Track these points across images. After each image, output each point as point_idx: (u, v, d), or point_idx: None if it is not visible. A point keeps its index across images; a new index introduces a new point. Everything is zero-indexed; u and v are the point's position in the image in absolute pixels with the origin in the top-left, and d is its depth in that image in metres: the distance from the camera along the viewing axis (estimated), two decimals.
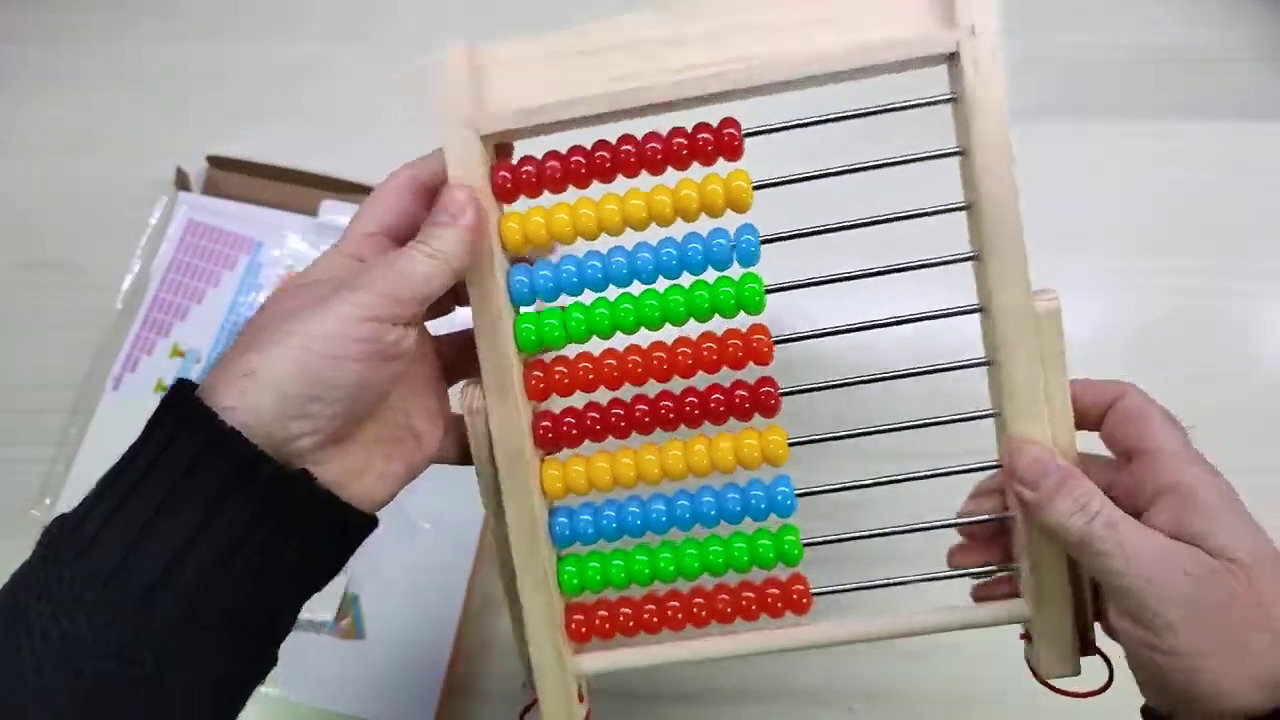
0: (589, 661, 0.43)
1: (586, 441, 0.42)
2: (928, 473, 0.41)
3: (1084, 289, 0.69)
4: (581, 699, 0.43)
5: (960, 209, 0.39)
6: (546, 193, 0.40)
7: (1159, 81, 0.73)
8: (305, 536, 0.34)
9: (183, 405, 0.32)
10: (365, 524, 0.37)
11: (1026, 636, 0.42)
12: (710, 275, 0.40)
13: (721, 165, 0.40)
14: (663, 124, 0.40)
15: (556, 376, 0.41)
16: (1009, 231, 0.38)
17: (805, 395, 0.41)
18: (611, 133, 0.40)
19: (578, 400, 0.41)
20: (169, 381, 0.62)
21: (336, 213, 0.64)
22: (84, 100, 0.72)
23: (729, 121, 0.39)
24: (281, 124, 0.71)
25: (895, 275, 0.40)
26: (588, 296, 0.41)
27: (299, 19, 0.75)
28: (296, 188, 0.66)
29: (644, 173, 0.40)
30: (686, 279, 0.40)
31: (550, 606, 0.42)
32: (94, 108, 0.72)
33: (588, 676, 0.44)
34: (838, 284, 0.40)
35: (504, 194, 0.40)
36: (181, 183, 0.66)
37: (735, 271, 0.40)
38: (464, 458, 0.42)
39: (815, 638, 0.42)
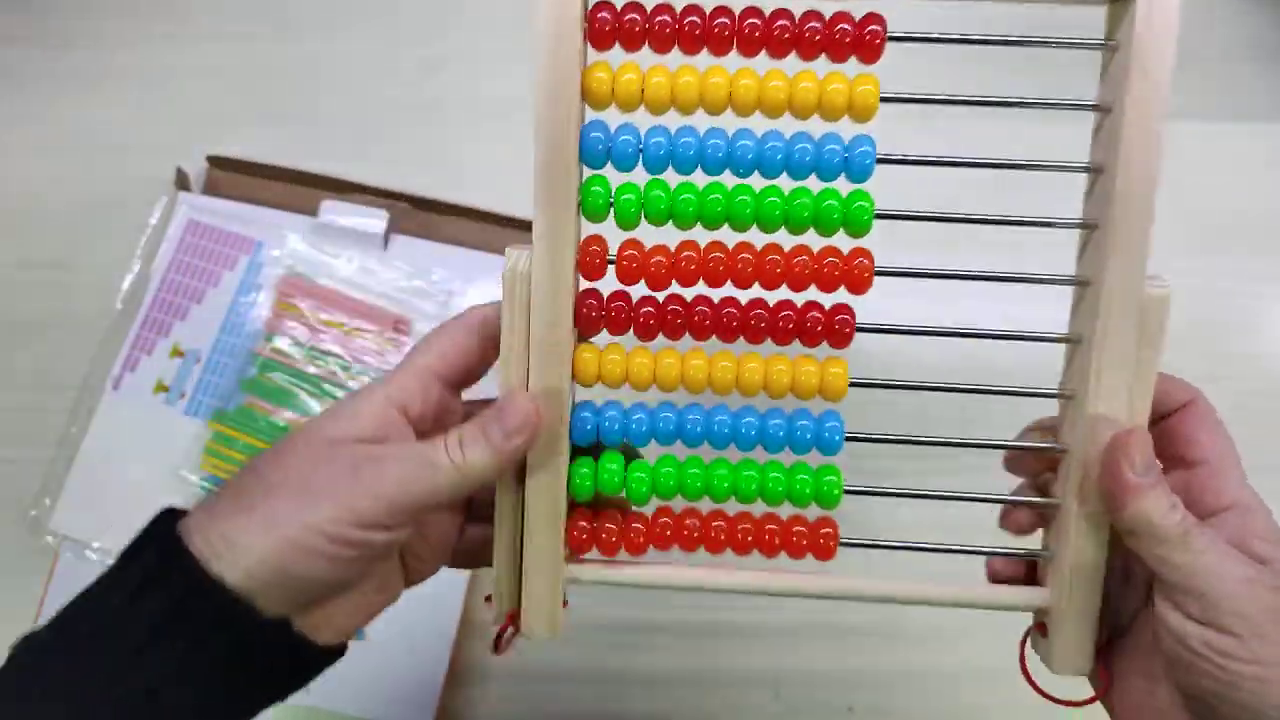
0: (582, 571, 0.40)
1: (631, 334, 0.37)
2: (981, 441, 0.40)
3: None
4: (565, 603, 0.40)
5: (1083, 169, 0.37)
6: (647, 49, 0.35)
7: None
8: (253, 680, 0.33)
9: (168, 548, 0.32)
10: (327, 658, 0.35)
11: (1040, 628, 0.40)
12: (814, 184, 0.36)
13: (849, 66, 0.35)
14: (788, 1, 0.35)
15: (624, 260, 0.36)
16: (1142, 203, 0.35)
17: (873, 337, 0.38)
18: None
19: (635, 289, 0.37)
20: (169, 381, 0.62)
21: (336, 213, 0.64)
22: (84, 100, 0.72)
23: (874, 17, 0.35)
24: (281, 124, 0.71)
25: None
26: (671, 179, 0.36)
27: (299, 19, 0.75)
28: (297, 188, 0.66)
29: (763, 53, 0.35)
30: (786, 183, 0.36)
31: (555, 504, 0.38)
32: (94, 108, 0.72)
33: (579, 582, 0.40)
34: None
35: (599, 38, 0.35)
36: (181, 183, 0.66)
37: (842, 186, 0.36)
38: (463, 565, 0.41)
39: (829, 588, 0.40)
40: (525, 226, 0.65)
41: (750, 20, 0.35)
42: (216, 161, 0.67)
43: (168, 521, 0.33)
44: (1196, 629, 0.32)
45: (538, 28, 0.34)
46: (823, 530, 0.39)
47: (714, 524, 0.40)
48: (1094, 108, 0.37)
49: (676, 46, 0.35)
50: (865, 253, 0.37)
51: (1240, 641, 0.31)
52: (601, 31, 0.35)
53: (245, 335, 0.63)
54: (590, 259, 0.37)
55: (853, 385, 0.38)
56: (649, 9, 0.35)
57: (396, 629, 0.56)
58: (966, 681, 0.60)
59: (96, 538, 0.59)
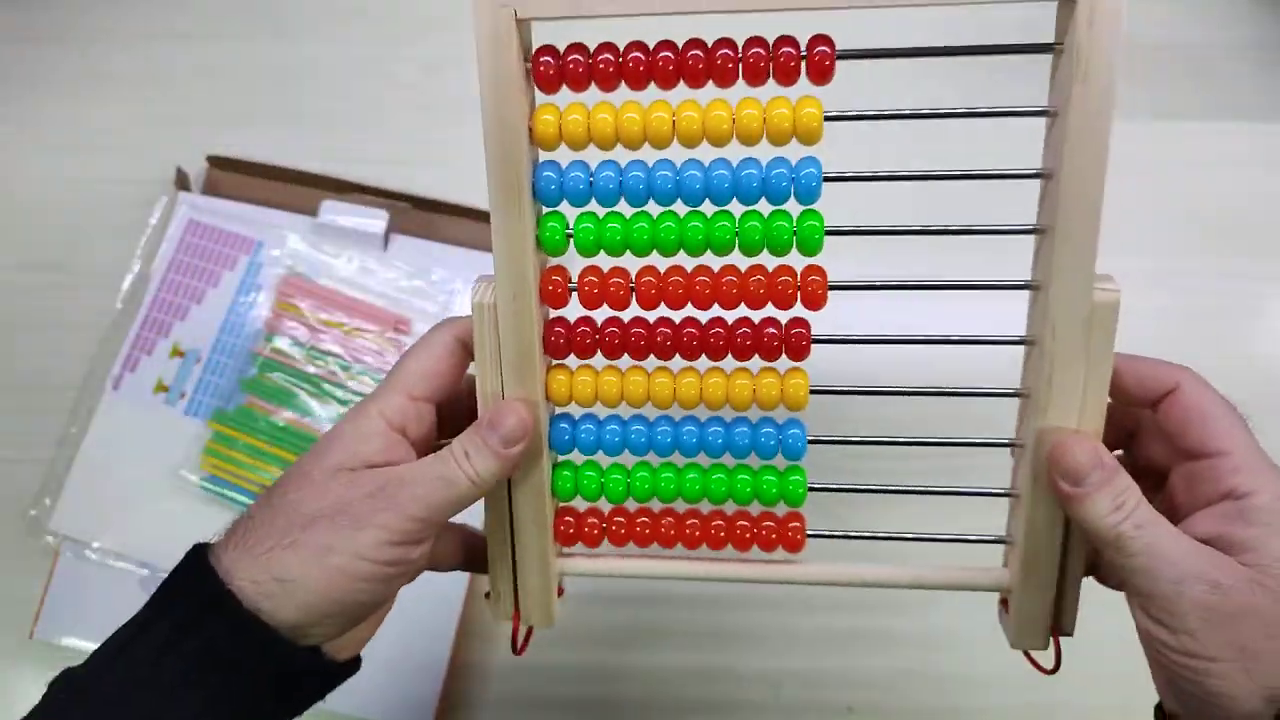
0: (570, 564, 0.42)
1: (599, 356, 0.39)
2: (940, 439, 0.41)
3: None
4: (561, 592, 0.43)
5: (1034, 176, 0.36)
6: (593, 87, 0.36)
7: (1158, 81, 0.73)
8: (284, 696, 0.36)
9: (206, 590, 0.34)
10: (348, 672, 0.38)
11: (1004, 604, 0.42)
12: (765, 207, 0.37)
13: (791, 89, 0.36)
14: (729, 28, 0.35)
15: (585, 286, 0.38)
16: (1088, 208, 0.35)
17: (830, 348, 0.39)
18: (662, 29, 0.36)
19: (597, 313, 0.39)
20: (169, 381, 0.62)
21: (336, 213, 0.64)
22: (84, 100, 0.72)
23: (822, 39, 0.35)
24: (281, 124, 0.71)
25: (943, 236, 0.38)
26: (625, 209, 0.38)
27: (299, 19, 0.75)
28: (296, 188, 0.66)
29: (709, 83, 0.36)
30: (736, 207, 0.37)
31: (541, 509, 0.40)
32: (94, 108, 0.72)
33: (568, 574, 0.43)
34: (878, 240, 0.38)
35: (544, 82, 0.36)
36: (181, 183, 0.66)
37: (794, 207, 0.37)
38: (466, 567, 0.42)
39: (794, 575, 0.42)
40: None
41: (693, 52, 0.35)
42: (216, 161, 0.67)
43: (202, 558, 0.34)
44: (1141, 618, 0.34)
45: (481, 76, 0.35)
46: (791, 524, 0.41)
47: (689, 521, 0.42)
48: (1041, 113, 0.36)
49: (623, 83, 0.36)
50: (819, 270, 0.38)
51: (1174, 635, 0.32)
52: (546, 75, 0.36)
53: (245, 335, 0.63)
54: (553, 289, 0.38)
55: (814, 393, 0.39)
56: (592, 49, 0.36)
57: (396, 629, 0.56)
58: (966, 682, 0.60)
59: (96, 538, 0.59)
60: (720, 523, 0.42)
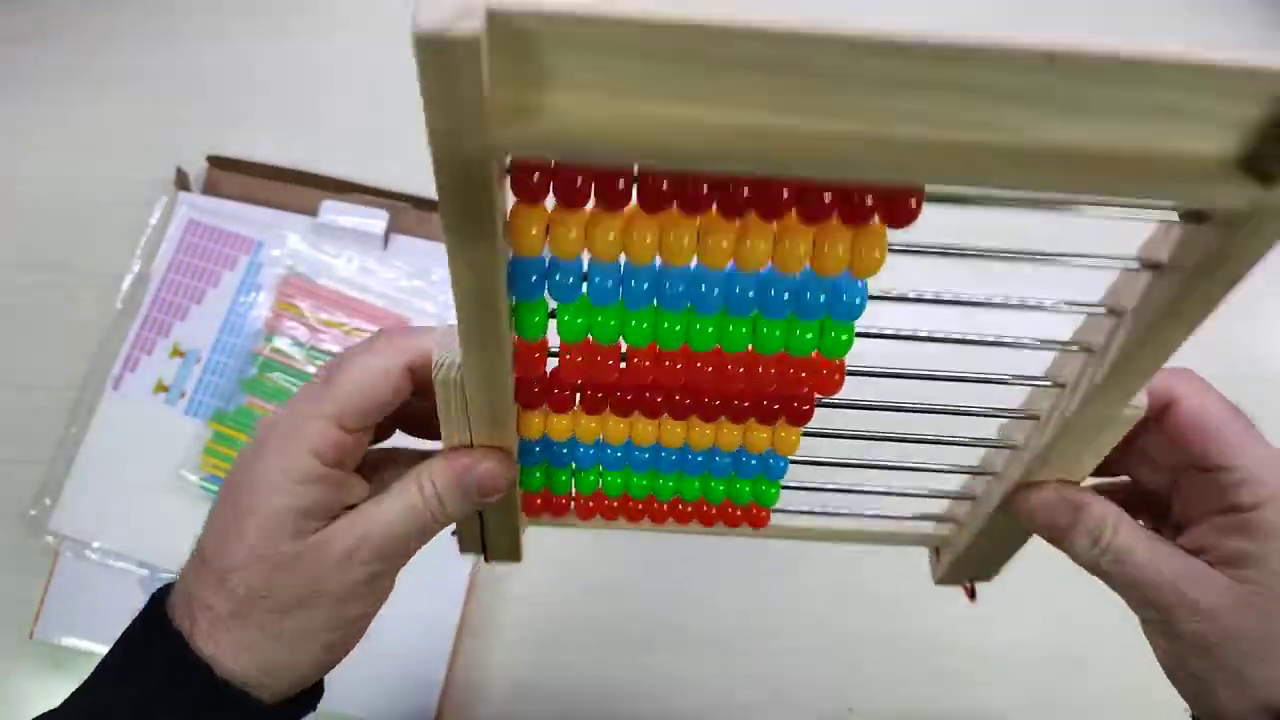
0: (534, 522, 0.42)
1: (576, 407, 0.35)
2: (919, 466, 0.40)
3: (1082, 288, 0.69)
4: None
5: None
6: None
7: None
8: None
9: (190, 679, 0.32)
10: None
11: (937, 552, 0.44)
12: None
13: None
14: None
15: (565, 364, 0.32)
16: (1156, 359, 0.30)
17: None
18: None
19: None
20: (169, 381, 0.62)
21: (336, 213, 0.64)
22: (84, 100, 0.72)
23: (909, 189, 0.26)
24: (281, 124, 0.71)
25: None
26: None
27: (299, 19, 0.75)
28: (296, 188, 0.66)
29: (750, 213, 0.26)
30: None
31: (510, 497, 0.37)
32: (94, 108, 0.72)
33: (534, 526, 0.43)
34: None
35: (526, 192, 0.26)
36: (181, 183, 0.66)
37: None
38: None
39: (747, 532, 0.42)
40: None
41: (741, 190, 0.26)
42: (216, 161, 0.67)
43: (177, 647, 0.32)
44: (1145, 629, 0.35)
45: (445, 229, 0.26)
46: (754, 509, 0.40)
47: (654, 504, 0.40)
48: (1144, 265, 0.29)
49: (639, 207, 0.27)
50: (839, 366, 0.32)
51: (1168, 656, 0.34)
52: (527, 186, 0.26)
53: (245, 335, 0.63)
54: (529, 366, 0.32)
55: (805, 436, 0.36)
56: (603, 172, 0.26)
57: (396, 629, 0.56)
58: (966, 681, 0.60)
59: (96, 538, 0.59)
60: (686, 506, 0.41)
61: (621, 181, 0.25)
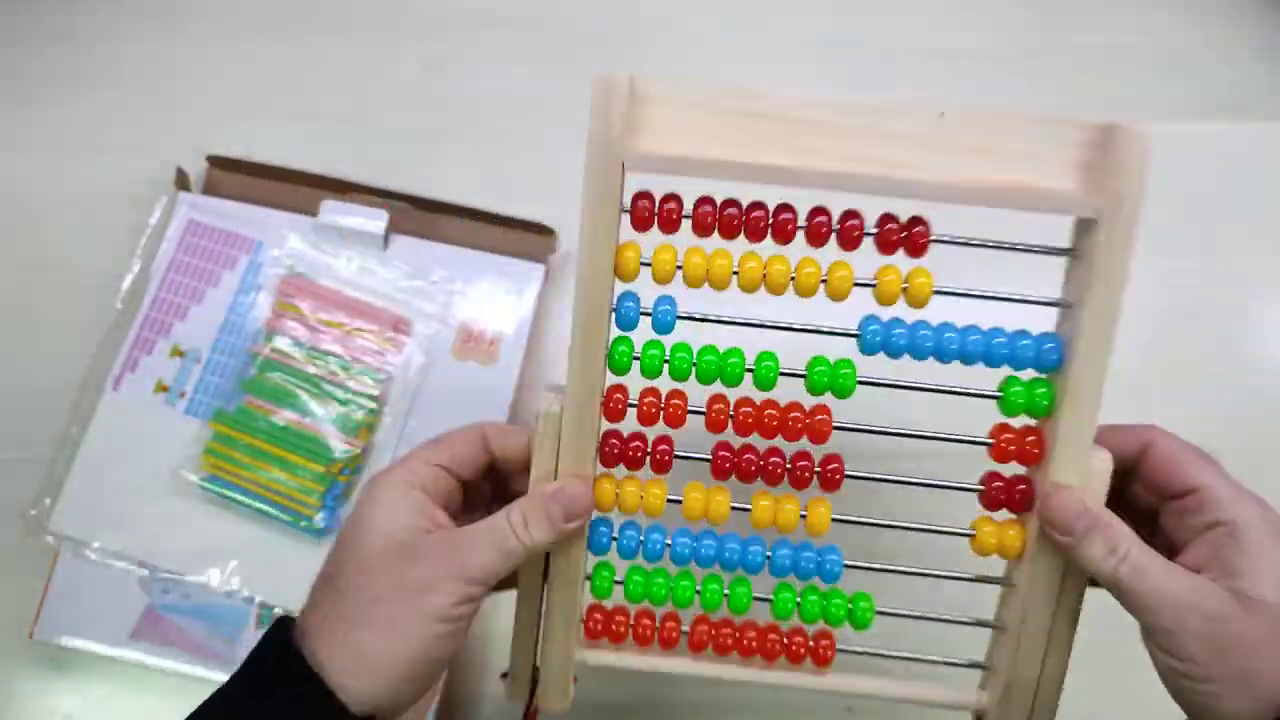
0: (592, 655, 0.45)
1: (644, 470, 0.44)
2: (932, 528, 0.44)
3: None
4: (574, 679, 0.46)
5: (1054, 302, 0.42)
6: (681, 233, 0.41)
7: (1159, 81, 0.73)
8: None
9: (293, 673, 0.36)
10: None
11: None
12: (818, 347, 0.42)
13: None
14: (796, 198, 0.40)
15: (645, 406, 0.43)
16: (1091, 397, 0.40)
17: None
18: (742, 191, 0.40)
19: (649, 429, 0.43)
20: (169, 381, 0.62)
21: (337, 213, 0.64)
22: (83, 100, 0.72)
23: (919, 220, 0.40)
24: (281, 124, 0.71)
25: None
26: (694, 339, 0.42)
27: (299, 19, 0.75)
28: (297, 188, 0.66)
29: (792, 242, 0.40)
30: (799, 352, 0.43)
31: (573, 602, 0.43)
32: (93, 108, 0.72)
33: (586, 666, 0.46)
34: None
35: (639, 222, 0.40)
36: (181, 183, 0.66)
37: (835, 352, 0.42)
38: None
39: (802, 682, 0.47)
40: (523, 227, 0.65)
41: (784, 215, 0.40)
42: (216, 161, 0.67)
43: (290, 640, 0.37)
44: (1152, 646, 0.37)
45: (584, 214, 0.39)
46: (822, 642, 0.45)
47: (722, 630, 0.45)
48: (1057, 303, 0.41)
49: (715, 234, 0.41)
50: (825, 410, 0.42)
51: (1181, 663, 0.36)
52: (642, 218, 0.40)
53: (245, 335, 0.63)
54: (614, 406, 0.42)
55: (835, 521, 0.44)
56: (693, 201, 0.40)
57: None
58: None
59: (96, 538, 0.59)
60: (752, 634, 0.45)
61: (711, 213, 0.40)
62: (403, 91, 0.72)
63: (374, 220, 0.64)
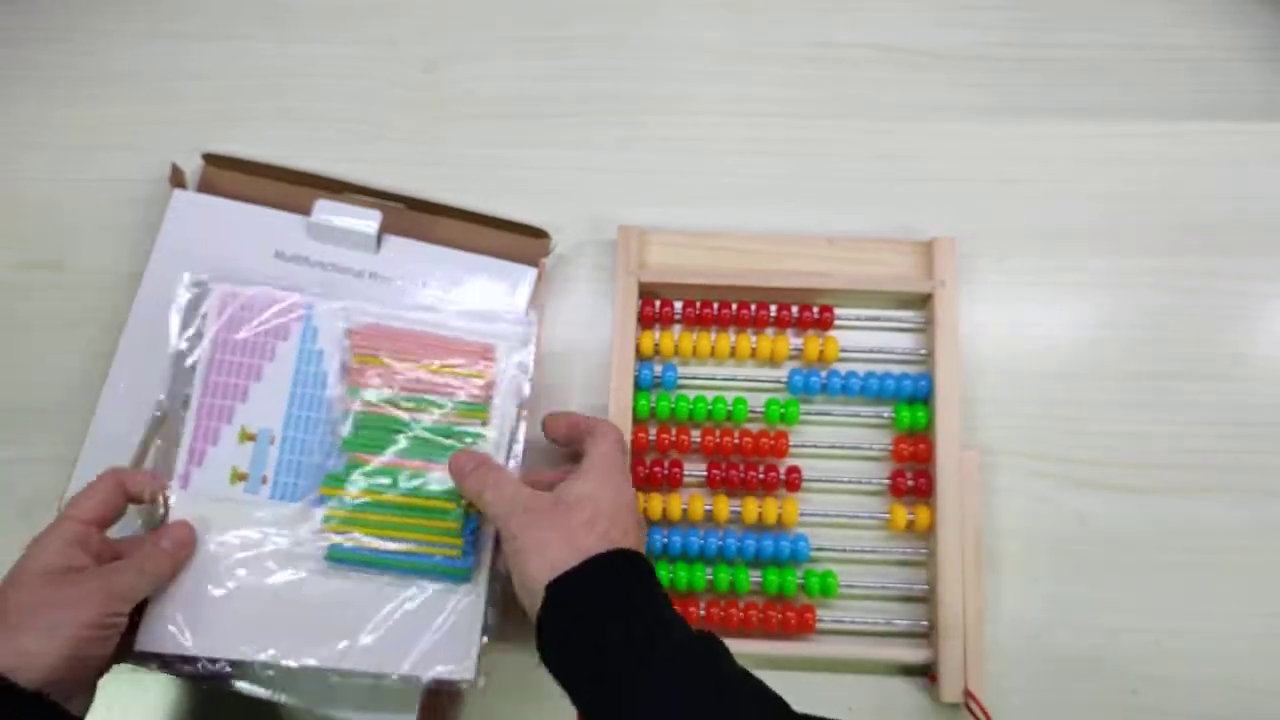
0: None
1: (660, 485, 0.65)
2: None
3: (1081, 288, 0.68)
4: None
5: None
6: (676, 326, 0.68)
7: (1159, 81, 0.73)
8: None
9: None
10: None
11: (931, 678, 0.61)
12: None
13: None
14: (750, 297, 0.67)
15: (661, 438, 0.64)
16: (953, 412, 0.62)
17: None
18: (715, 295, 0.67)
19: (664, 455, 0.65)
20: (244, 468, 0.58)
21: (330, 212, 0.64)
22: (84, 100, 0.73)
23: (827, 309, 0.66)
24: (281, 124, 0.72)
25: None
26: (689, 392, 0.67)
27: (296, 18, 0.75)
28: (291, 187, 0.66)
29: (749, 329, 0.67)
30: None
31: None
32: (94, 108, 0.72)
33: None
34: None
35: (645, 319, 0.66)
36: (177, 180, 0.66)
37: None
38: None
39: (798, 650, 0.61)
40: (517, 229, 0.65)
41: (742, 311, 0.66)
42: (212, 159, 0.67)
43: None
44: (500, 537, 0.53)
45: (615, 317, 0.65)
46: (805, 615, 0.61)
47: (712, 610, 0.61)
48: (922, 356, 0.66)
49: (697, 326, 0.67)
50: (784, 435, 0.64)
51: (508, 541, 0.50)
52: (648, 316, 0.66)
53: (321, 405, 0.59)
54: (638, 441, 0.64)
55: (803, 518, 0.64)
56: (681, 304, 0.67)
57: (382, 631, 0.56)
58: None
59: None
60: (739, 613, 0.61)
61: (694, 312, 0.67)
62: (402, 91, 0.72)
63: (367, 220, 0.64)
